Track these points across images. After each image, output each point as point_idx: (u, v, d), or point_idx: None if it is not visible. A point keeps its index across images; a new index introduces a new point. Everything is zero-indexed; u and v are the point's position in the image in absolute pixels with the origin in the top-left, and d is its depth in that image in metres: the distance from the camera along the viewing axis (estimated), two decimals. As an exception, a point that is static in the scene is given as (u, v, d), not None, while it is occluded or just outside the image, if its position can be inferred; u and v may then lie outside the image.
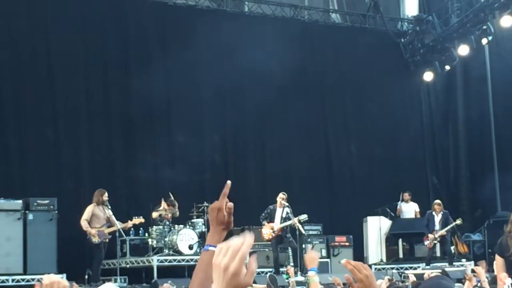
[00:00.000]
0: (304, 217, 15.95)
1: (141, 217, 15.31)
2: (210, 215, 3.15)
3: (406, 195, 19.23)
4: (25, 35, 17.14)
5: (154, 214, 16.13)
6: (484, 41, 19.39)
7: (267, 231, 15.94)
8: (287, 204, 15.85)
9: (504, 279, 6.06)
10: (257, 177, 19.51)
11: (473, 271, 8.23)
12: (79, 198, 16.13)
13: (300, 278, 14.63)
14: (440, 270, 14.30)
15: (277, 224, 15.79)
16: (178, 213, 16.42)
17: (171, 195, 16.43)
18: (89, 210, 14.74)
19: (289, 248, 15.88)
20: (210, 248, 3.03)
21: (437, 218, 17.20)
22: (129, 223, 15.09)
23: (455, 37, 20.48)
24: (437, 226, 17.12)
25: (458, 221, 17.22)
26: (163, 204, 16.23)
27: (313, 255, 5.40)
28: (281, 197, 15.90)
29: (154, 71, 18.55)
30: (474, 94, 22.49)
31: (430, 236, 17.14)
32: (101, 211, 14.76)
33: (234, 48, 19.40)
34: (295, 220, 15.63)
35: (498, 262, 6.35)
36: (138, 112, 18.53)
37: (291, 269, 9.50)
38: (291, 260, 15.59)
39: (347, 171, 20.75)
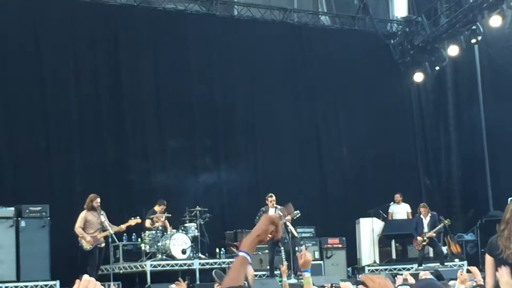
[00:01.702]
0: (296, 213, 15.88)
1: (137, 217, 15.27)
2: (264, 223, 3.20)
3: (397, 197, 19.25)
4: (15, 42, 17.10)
5: (147, 222, 16.07)
6: (473, 41, 19.47)
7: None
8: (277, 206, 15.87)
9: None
10: (250, 181, 19.47)
11: (468, 271, 8.25)
12: (71, 205, 16.05)
13: (293, 280, 14.61)
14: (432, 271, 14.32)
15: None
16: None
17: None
18: (82, 217, 14.68)
19: (282, 249, 15.73)
20: (240, 253, 3.16)
21: (425, 220, 17.27)
22: (124, 226, 15.03)
23: (444, 38, 20.52)
24: (425, 229, 17.15)
25: (446, 221, 17.26)
26: (156, 207, 16.16)
27: (307, 257, 5.32)
28: (270, 200, 15.87)
29: (144, 75, 18.56)
30: (464, 94, 22.56)
31: (419, 238, 17.20)
32: (94, 216, 14.70)
33: (224, 52, 19.44)
34: (288, 218, 15.50)
35: (488, 261, 6.37)
36: (129, 117, 18.50)
37: (284, 268, 9.45)
38: (284, 262, 15.53)
39: (339, 173, 20.76)
